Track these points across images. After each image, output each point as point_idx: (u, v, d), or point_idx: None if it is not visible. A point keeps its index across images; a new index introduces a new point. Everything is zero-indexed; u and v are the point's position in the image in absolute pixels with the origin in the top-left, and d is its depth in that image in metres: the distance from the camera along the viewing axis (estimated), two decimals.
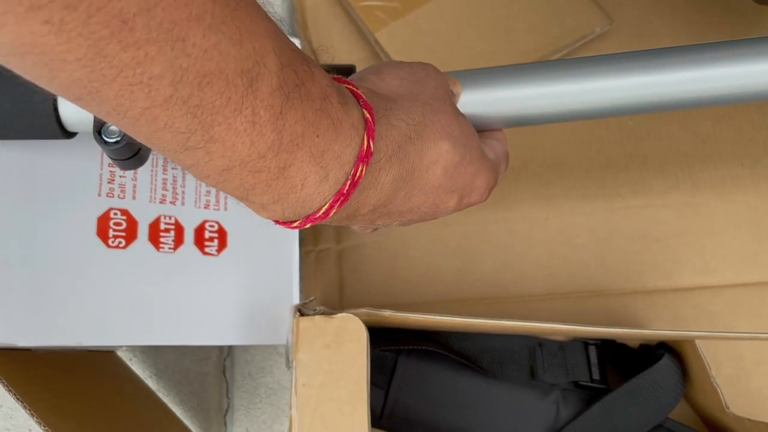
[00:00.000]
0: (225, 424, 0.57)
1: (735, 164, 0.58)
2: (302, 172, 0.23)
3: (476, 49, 0.57)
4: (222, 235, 0.45)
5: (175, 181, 0.44)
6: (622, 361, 0.54)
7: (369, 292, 0.57)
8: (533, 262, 0.57)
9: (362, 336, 0.38)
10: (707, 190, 0.58)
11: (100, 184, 0.41)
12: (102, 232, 0.40)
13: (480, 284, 0.57)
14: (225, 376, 0.57)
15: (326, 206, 0.25)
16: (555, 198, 0.58)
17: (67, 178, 0.40)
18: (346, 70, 0.36)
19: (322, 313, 0.40)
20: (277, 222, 0.27)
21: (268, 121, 0.21)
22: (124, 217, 0.41)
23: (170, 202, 0.43)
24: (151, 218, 0.43)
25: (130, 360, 0.54)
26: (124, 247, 0.41)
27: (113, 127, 0.34)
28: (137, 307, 0.41)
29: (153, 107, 0.19)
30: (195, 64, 0.19)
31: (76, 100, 0.20)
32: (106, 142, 0.34)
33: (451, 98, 0.32)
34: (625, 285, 0.57)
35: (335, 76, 0.28)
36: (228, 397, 0.57)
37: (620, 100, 0.36)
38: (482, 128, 0.37)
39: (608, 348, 0.54)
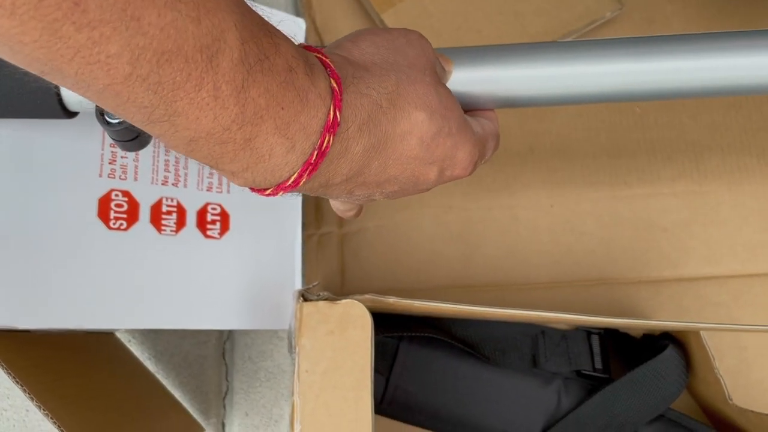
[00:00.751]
0: (224, 407, 0.57)
1: (743, 154, 0.57)
2: (268, 144, 0.23)
3: (484, 33, 0.56)
4: (224, 218, 0.44)
5: (177, 162, 0.43)
6: (625, 351, 0.54)
7: (371, 277, 0.56)
8: (537, 249, 0.57)
9: (367, 323, 0.38)
10: (715, 180, 0.57)
11: (102, 165, 0.40)
12: (103, 214, 0.40)
13: (483, 271, 0.56)
14: (224, 360, 0.57)
15: (295, 176, 0.25)
16: (561, 184, 0.57)
17: (68, 158, 0.39)
18: None
19: (325, 299, 0.40)
20: (252, 189, 0.27)
21: (231, 95, 0.22)
22: (126, 199, 0.41)
23: (172, 184, 0.43)
24: (153, 200, 0.42)
25: (129, 342, 0.53)
26: (125, 229, 0.40)
27: None
28: (138, 290, 0.40)
29: (114, 84, 0.20)
30: (152, 43, 0.19)
31: (41, 74, 0.20)
32: (108, 123, 0.33)
33: (434, 68, 0.31)
34: (629, 274, 0.56)
35: (306, 45, 0.27)
36: (227, 380, 0.57)
37: (614, 86, 0.35)
38: (474, 107, 0.36)
39: (611, 337, 0.53)
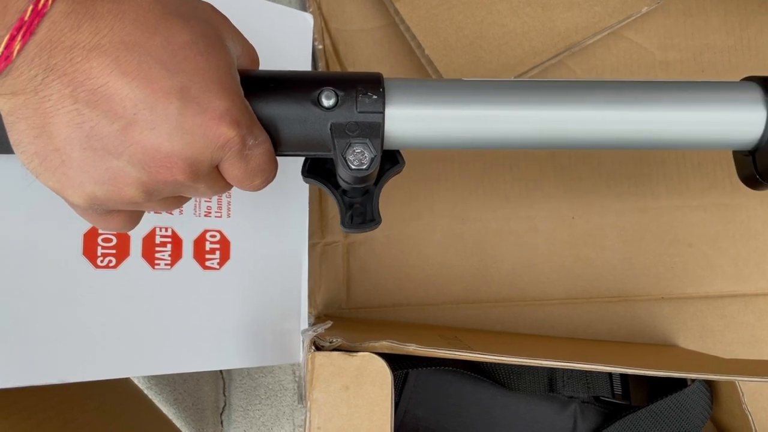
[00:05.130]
0: (221, 423, 0.54)
1: None
2: None
3: (509, 27, 0.50)
4: (224, 245, 0.40)
5: None
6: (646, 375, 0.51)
7: (378, 291, 0.53)
8: (556, 263, 0.53)
9: (386, 379, 0.35)
10: (747, 192, 0.53)
11: None
12: (89, 251, 0.35)
13: (498, 286, 0.53)
14: (222, 374, 0.54)
15: (7, 38, 0.22)
16: (584, 194, 0.53)
17: (49, 190, 0.34)
18: (371, 79, 0.30)
19: (339, 347, 0.36)
20: None
21: None
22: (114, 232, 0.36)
23: (166, 211, 0.38)
24: (145, 231, 0.37)
25: None
26: (114, 267, 0.36)
27: None
28: (130, 335, 0.36)
29: None
30: None
31: None
32: None
33: (214, 27, 0.27)
34: (652, 291, 0.53)
35: None
36: (225, 396, 0.53)
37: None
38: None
39: None
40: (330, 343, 0.36)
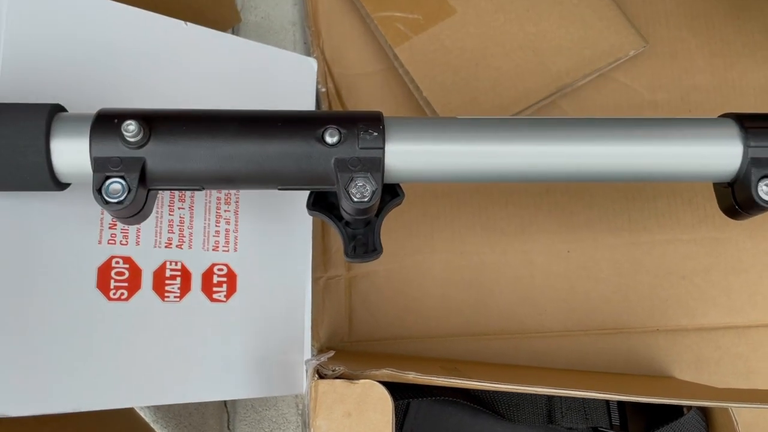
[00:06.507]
0: None
1: None
2: None
3: (503, 69, 0.53)
4: (231, 278, 0.42)
5: (182, 222, 0.40)
6: (643, 405, 0.52)
7: (379, 324, 0.54)
8: (553, 296, 0.54)
9: (387, 406, 0.36)
10: (736, 226, 0.55)
11: (101, 231, 0.37)
12: (103, 285, 0.37)
13: (496, 318, 0.54)
14: (226, 408, 0.55)
15: None
16: (578, 229, 0.55)
17: (65, 225, 0.36)
18: (371, 117, 0.33)
19: (341, 375, 0.38)
20: None
21: None
22: (127, 266, 0.38)
23: (177, 246, 0.40)
24: (156, 265, 0.39)
25: None
26: (126, 299, 0.38)
27: (116, 185, 0.30)
28: (141, 364, 0.37)
29: None
30: None
31: None
32: (107, 202, 0.30)
33: None
34: (647, 323, 0.54)
35: None
36: (229, 429, 0.54)
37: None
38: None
39: None
40: (333, 371, 0.38)
